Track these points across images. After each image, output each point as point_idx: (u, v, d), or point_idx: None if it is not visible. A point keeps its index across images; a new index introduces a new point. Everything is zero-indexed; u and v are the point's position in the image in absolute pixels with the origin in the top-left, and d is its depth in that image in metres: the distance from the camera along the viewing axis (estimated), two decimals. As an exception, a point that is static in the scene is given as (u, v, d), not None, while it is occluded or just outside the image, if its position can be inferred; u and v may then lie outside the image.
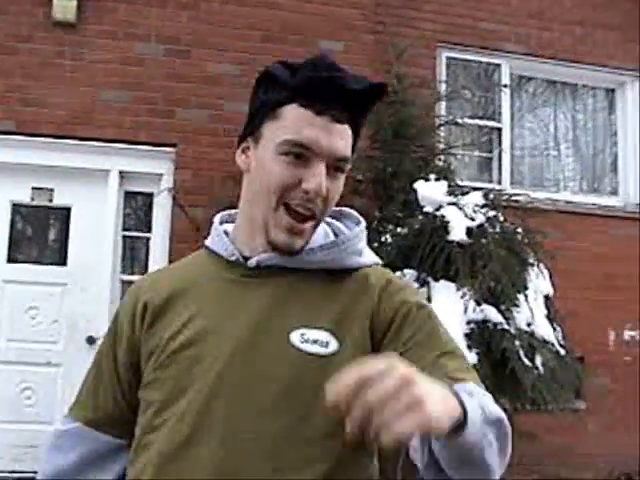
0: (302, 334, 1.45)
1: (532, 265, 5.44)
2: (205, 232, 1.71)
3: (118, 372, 1.61)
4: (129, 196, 6.58)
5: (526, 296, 5.26)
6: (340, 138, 1.49)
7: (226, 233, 1.64)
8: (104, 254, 6.32)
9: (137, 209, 6.75)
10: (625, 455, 7.36)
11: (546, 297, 5.55)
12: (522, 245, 5.45)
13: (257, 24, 6.49)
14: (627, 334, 7.92)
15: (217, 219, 1.71)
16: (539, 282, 5.45)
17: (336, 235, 1.63)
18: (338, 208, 1.68)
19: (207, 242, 1.67)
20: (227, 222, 1.70)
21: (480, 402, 1.29)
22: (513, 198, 5.98)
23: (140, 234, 6.57)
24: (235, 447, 1.38)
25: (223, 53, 6.43)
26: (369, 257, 1.64)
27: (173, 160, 6.31)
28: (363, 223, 1.67)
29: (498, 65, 8.08)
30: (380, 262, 1.67)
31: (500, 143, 8.03)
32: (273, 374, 1.42)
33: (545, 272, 5.55)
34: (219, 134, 6.28)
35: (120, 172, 6.41)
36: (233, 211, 1.69)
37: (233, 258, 1.58)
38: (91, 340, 6.17)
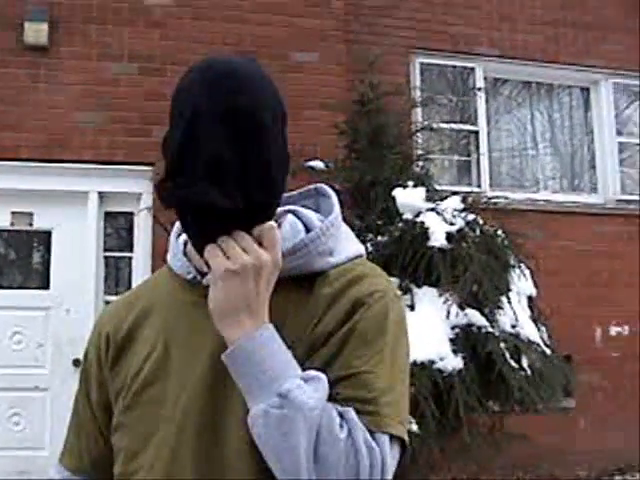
0: None
1: (514, 267, 5.44)
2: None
3: (94, 413, 1.54)
4: (109, 216, 6.57)
5: (509, 298, 5.27)
6: None
7: (186, 244, 1.48)
8: (87, 276, 6.31)
9: (118, 229, 6.74)
10: (617, 451, 7.38)
11: (529, 298, 5.56)
12: (503, 247, 5.46)
13: (229, 39, 6.50)
14: (613, 330, 7.95)
15: (174, 230, 1.55)
16: (521, 283, 5.46)
17: (307, 229, 1.43)
18: (314, 186, 1.54)
19: (167, 258, 1.52)
20: None
21: (303, 386, 1.22)
22: (492, 200, 6.00)
23: (122, 254, 6.57)
24: None
25: (196, 69, 6.42)
26: (343, 253, 1.43)
27: (151, 178, 6.30)
28: (335, 211, 1.46)
29: (472, 69, 8.12)
30: (362, 254, 1.48)
31: (478, 146, 8.06)
32: (238, 409, 1.31)
33: (527, 273, 5.56)
34: (196, 150, 6.27)
35: (99, 193, 6.40)
36: None
37: (190, 277, 1.44)
38: (77, 363, 6.14)
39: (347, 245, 1.46)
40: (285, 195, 1.44)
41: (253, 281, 1.27)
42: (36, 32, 6.27)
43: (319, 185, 1.54)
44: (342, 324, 1.32)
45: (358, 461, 1.20)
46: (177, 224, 1.52)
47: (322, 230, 1.40)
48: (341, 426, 1.22)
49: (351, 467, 1.19)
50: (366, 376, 1.28)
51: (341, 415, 1.23)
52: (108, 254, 6.51)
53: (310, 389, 1.23)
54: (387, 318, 1.35)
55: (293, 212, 1.47)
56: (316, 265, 1.39)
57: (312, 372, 1.26)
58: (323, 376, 1.26)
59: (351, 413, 1.23)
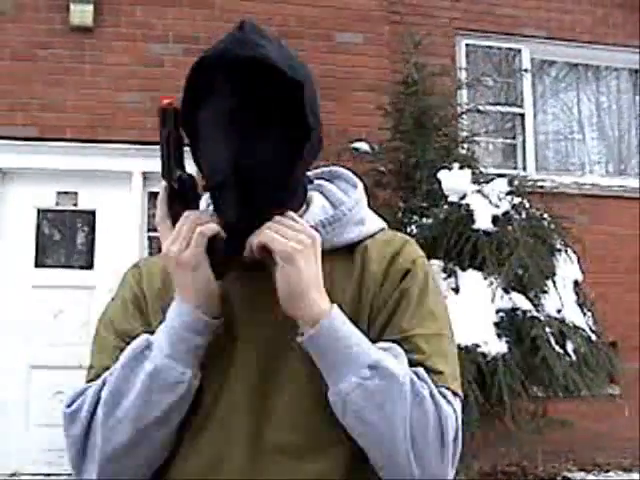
0: None
1: (559, 251, 5.38)
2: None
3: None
4: (153, 197, 6.58)
5: (554, 282, 5.21)
6: None
7: None
8: (131, 255, 6.32)
9: (162, 209, 6.75)
10: (662, 439, 7.28)
11: (575, 282, 5.49)
12: (549, 231, 5.40)
13: (273, 20, 6.47)
14: (660, 316, 7.82)
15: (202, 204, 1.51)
16: (567, 268, 5.39)
17: (333, 205, 1.46)
18: (328, 168, 1.56)
19: None
20: None
21: (382, 355, 1.26)
22: (538, 184, 5.93)
23: (166, 234, 6.57)
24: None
25: (241, 50, 6.41)
26: (372, 224, 1.48)
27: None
28: (360, 185, 1.52)
29: (519, 50, 8.01)
30: (385, 226, 1.51)
31: (523, 129, 7.96)
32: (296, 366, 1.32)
33: (573, 257, 5.49)
34: (240, 131, 6.28)
35: (143, 173, 6.42)
36: None
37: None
38: (121, 342, 6.18)
39: (372, 215, 1.52)
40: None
41: (313, 257, 1.28)
42: (81, 13, 6.29)
43: (334, 168, 1.57)
44: (392, 292, 1.38)
45: (440, 416, 1.25)
46: (204, 197, 1.50)
47: (355, 200, 1.47)
48: (422, 386, 1.27)
49: (437, 423, 1.25)
50: (418, 338, 1.33)
51: (416, 375, 1.28)
52: (152, 234, 6.53)
53: (392, 357, 1.27)
54: (428, 280, 1.42)
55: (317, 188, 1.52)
56: (352, 234, 1.43)
57: (385, 343, 1.31)
58: (395, 345, 1.31)
59: (422, 371, 1.29)
